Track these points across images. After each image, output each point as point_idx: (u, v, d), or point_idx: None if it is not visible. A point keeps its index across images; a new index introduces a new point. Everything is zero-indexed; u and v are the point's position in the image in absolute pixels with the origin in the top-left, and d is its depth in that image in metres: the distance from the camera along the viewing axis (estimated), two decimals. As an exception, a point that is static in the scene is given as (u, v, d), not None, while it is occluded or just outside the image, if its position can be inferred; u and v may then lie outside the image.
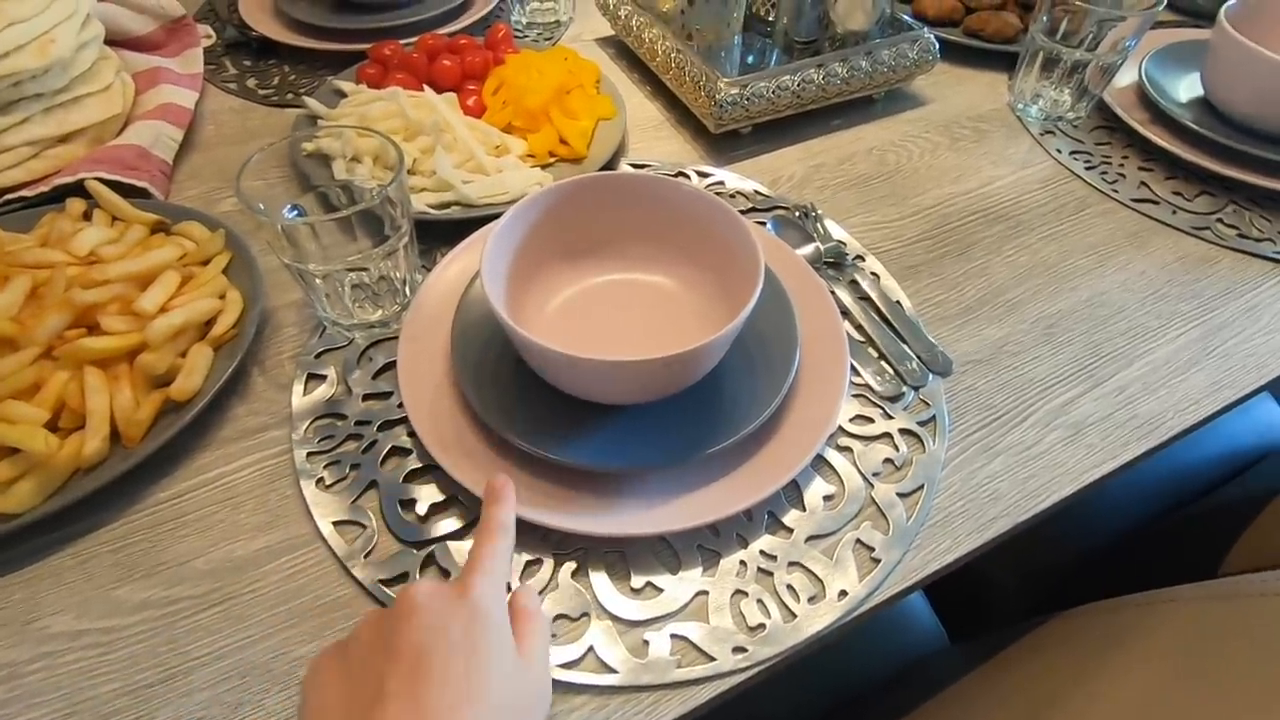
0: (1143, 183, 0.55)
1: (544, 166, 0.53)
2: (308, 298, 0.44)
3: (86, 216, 0.46)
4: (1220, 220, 0.52)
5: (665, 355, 0.31)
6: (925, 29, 0.60)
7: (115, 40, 0.60)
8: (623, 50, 0.68)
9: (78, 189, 0.47)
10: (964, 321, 0.45)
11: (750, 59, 0.60)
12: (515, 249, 0.39)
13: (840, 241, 0.49)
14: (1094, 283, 0.48)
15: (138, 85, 0.57)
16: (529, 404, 0.37)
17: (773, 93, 0.55)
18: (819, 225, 0.50)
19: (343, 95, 0.57)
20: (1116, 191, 0.54)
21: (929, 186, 0.55)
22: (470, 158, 0.50)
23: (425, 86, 0.56)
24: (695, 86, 0.55)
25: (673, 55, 0.57)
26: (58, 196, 0.48)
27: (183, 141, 0.55)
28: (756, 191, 0.53)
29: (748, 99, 0.54)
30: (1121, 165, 0.57)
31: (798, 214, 0.51)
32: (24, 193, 0.48)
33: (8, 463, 0.33)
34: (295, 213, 0.42)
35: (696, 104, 0.55)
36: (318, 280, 0.40)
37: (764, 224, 0.50)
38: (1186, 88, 0.62)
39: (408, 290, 0.44)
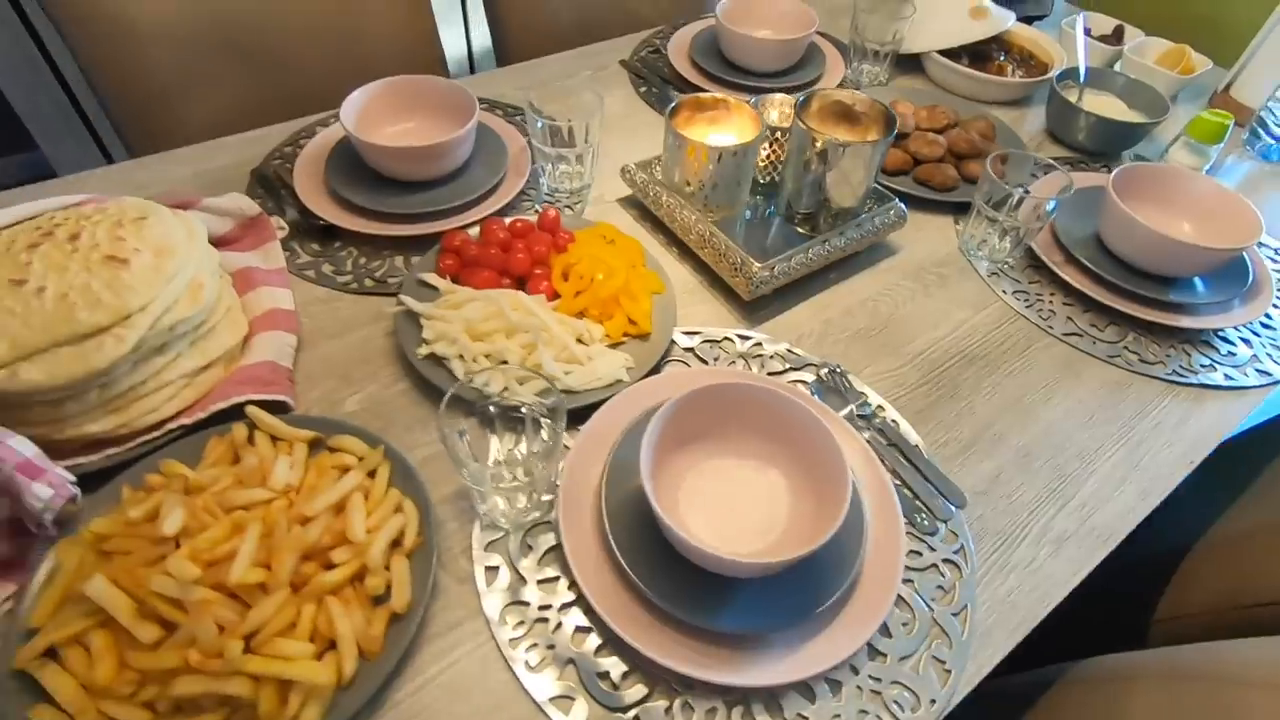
0: (1069, 317, 0.72)
1: (616, 345, 0.64)
2: (463, 494, 0.53)
3: (250, 439, 0.53)
4: (1126, 348, 0.70)
5: (797, 555, 0.43)
6: (896, 199, 0.75)
7: (201, 243, 0.66)
8: (645, 212, 0.79)
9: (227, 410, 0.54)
10: (964, 458, 0.60)
11: (751, 216, 0.73)
12: (654, 451, 0.50)
13: (864, 394, 0.63)
14: (1048, 413, 0.64)
15: (236, 287, 0.64)
16: (683, 579, 0.48)
17: (790, 267, 0.68)
18: (846, 381, 0.64)
19: (427, 286, 0.66)
20: (1051, 328, 0.71)
21: (915, 334, 0.70)
22: (564, 349, 0.60)
23: (503, 278, 0.66)
24: (733, 268, 0.67)
25: (707, 236, 0.69)
26: (211, 420, 0.54)
27: (289, 341, 0.62)
28: (789, 350, 0.66)
29: (775, 275, 0.67)
30: (1051, 301, 0.74)
31: (827, 372, 0.64)
32: (183, 421, 0.54)
33: (294, 695, 0.41)
34: (461, 435, 0.51)
35: (734, 280, 0.68)
36: (482, 488, 0.49)
37: (806, 384, 0.63)
38: (1094, 226, 0.79)
39: (552, 478, 0.53)
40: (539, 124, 0.74)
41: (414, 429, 0.58)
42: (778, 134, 0.75)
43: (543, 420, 0.53)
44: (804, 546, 0.44)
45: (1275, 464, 0.72)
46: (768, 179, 0.79)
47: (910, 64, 1.06)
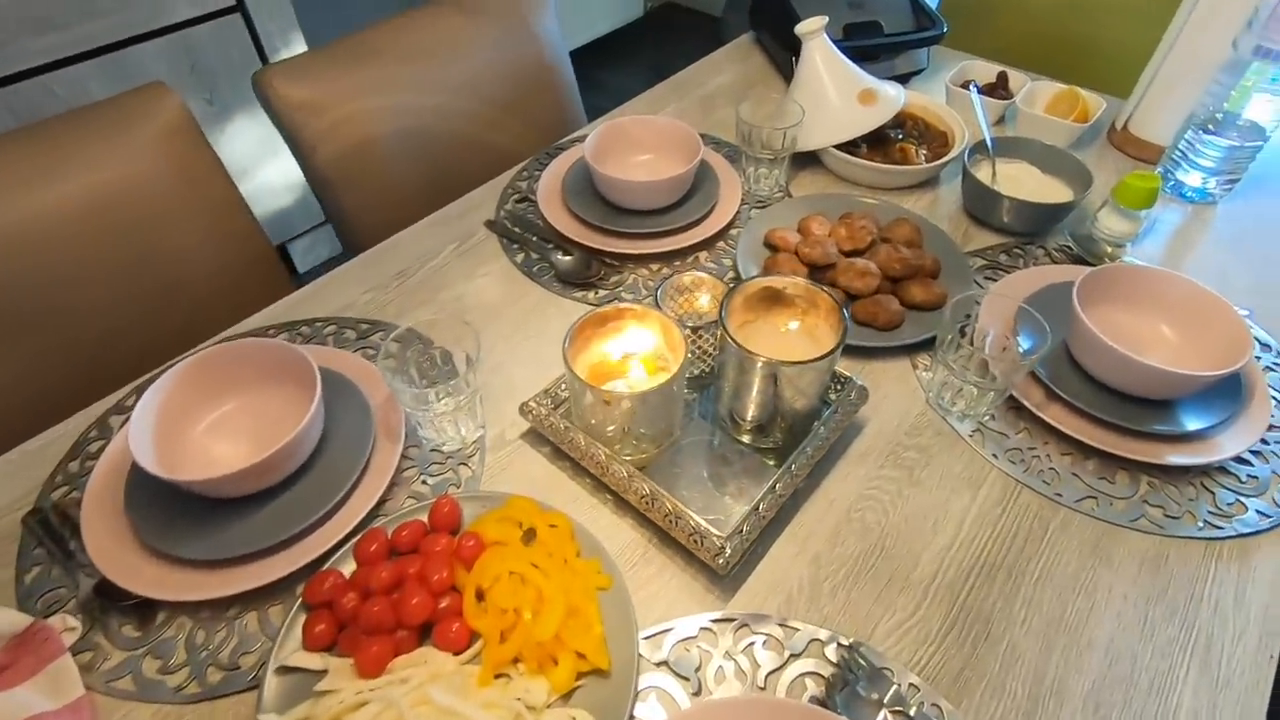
0: (1074, 473, 0.62)
1: (568, 695, 0.48)
2: None
3: None
4: (1146, 502, 0.60)
5: None
6: (853, 377, 0.63)
7: (-53, 704, 0.45)
8: (558, 452, 0.63)
9: None
10: (1032, 735, 0.48)
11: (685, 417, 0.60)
12: None
13: (887, 672, 0.50)
14: (1098, 629, 0.53)
15: (10, 768, 0.44)
16: None
17: (760, 518, 0.54)
18: (863, 660, 0.50)
19: (295, 671, 0.48)
20: (1060, 495, 0.61)
21: (919, 549, 0.57)
22: (505, 744, 0.44)
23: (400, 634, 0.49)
24: (692, 538, 0.53)
25: (651, 496, 0.55)
26: None
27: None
28: (783, 626, 0.52)
29: (745, 538, 0.53)
30: (1047, 454, 0.63)
31: (836, 649, 0.51)
32: None
33: None
34: None
35: (697, 551, 0.53)
36: None
37: (821, 683, 0.49)
38: (1060, 334, 0.69)
39: None
40: (408, 394, 0.58)
41: None
42: (698, 330, 0.62)
43: None
44: None
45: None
46: (695, 371, 0.66)
47: (808, 156, 0.95)
